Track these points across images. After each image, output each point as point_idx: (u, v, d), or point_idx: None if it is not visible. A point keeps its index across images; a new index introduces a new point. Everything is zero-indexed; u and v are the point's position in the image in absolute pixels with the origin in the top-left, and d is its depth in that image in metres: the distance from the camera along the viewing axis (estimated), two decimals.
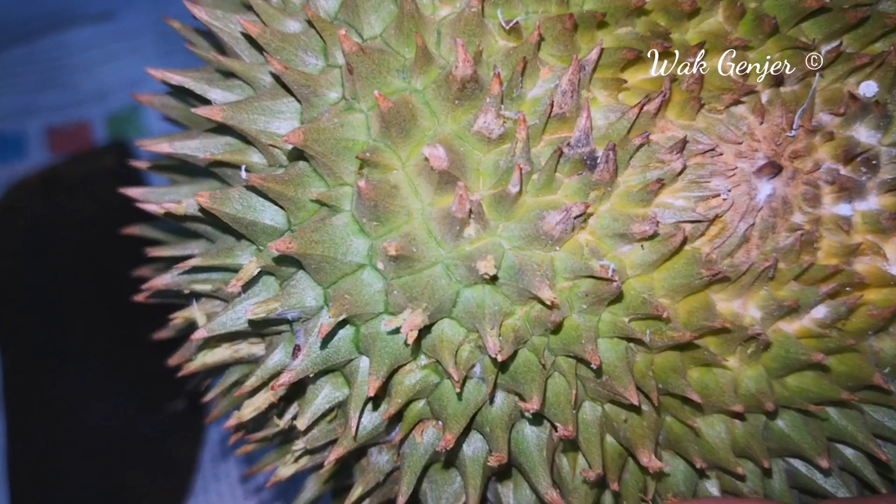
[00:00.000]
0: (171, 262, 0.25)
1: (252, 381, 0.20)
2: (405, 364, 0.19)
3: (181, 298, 0.24)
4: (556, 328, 0.19)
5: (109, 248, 0.51)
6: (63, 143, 0.64)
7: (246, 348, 0.22)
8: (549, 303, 0.18)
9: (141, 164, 0.25)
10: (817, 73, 0.20)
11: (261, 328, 0.20)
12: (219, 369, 0.23)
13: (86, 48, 0.66)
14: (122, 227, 0.58)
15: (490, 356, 0.18)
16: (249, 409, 0.20)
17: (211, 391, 0.24)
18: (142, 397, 0.46)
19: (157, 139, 0.23)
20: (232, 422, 0.21)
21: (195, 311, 0.22)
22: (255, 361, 0.22)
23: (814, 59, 0.20)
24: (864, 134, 0.21)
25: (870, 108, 0.21)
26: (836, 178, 0.20)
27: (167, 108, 0.25)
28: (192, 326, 0.25)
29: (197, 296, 0.23)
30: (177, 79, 0.22)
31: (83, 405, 0.46)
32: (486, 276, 0.18)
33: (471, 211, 0.18)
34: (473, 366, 0.19)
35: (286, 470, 0.21)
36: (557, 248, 0.19)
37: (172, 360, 0.26)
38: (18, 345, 0.48)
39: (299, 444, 0.20)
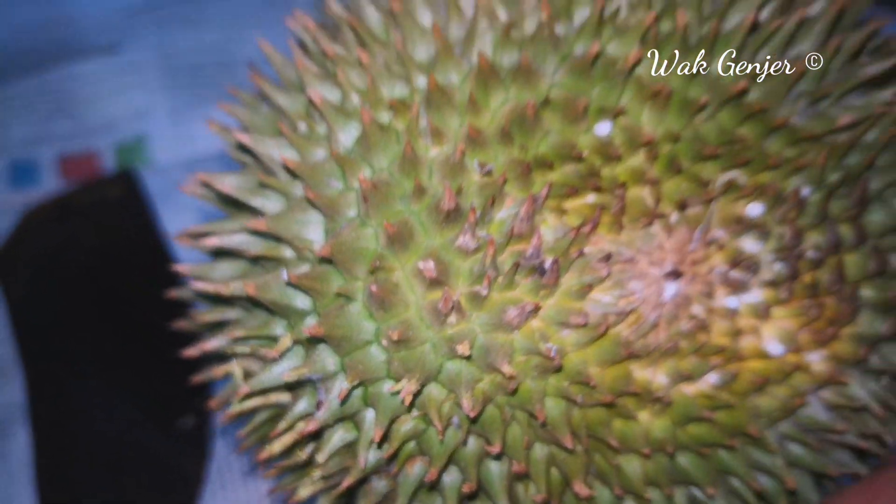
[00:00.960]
0: (210, 325, 0.31)
1: (283, 425, 0.26)
2: (401, 415, 0.25)
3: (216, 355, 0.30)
4: (514, 391, 0.25)
5: (119, 273, 0.55)
6: (74, 170, 0.65)
7: (275, 398, 0.28)
8: (508, 375, 0.24)
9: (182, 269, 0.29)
10: (713, 200, 0.27)
11: (290, 386, 0.27)
12: (246, 412, 0.29)
13: (93, 80, 0.68)
14: (129, 254, 0.57)
15: (465, 412, 0.24)
16: (278, 445, 0.26)
17: (241, 430, 0.30)
18: (153, 414, 0.48)
19: (200, 230, 0.29)
20: (264, 455, 0.27)
21: (235, 368, 0.28)
22: (281, 408, 0.28)
23: (711, 189, 0.27)
24: (749, 244, 0.27)
25: (754, 225, 0.27)
26: (726, 279, 0.27)
27: (205, 197, 0.31)
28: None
29: (236, 355, 0.29)
30: (226, 188, 0.28)
31: (100, 420, 0.48)
32: (463, 355, 0.24)
33: (453, 306, 0.24)
34: (452, 417, 0.25)
35: (305, 491, 0.27)
36: (516, 333, 0.25)
37: (196, 379, 0.32)
38: (39, 363, 0.51)
39: (317, 473, 0.27)
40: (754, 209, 0.27)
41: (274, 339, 0.27)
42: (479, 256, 0.24)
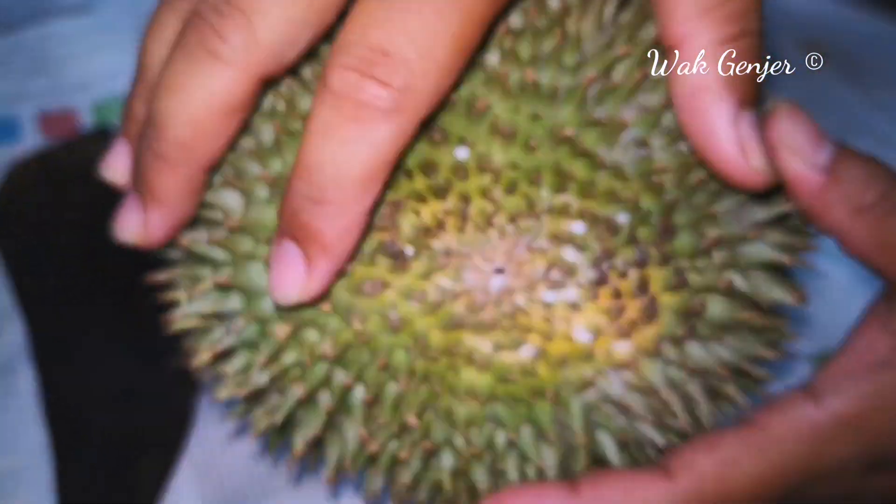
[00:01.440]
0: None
1: (204, 345, 0.35)
2: (285, 349, 0.34)
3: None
4: (367, 343, 0.33)
5: (102, 230, 0.52)
6: (54, 127, 0.66)
7: (200, 323, 0.36)
8: (360, 330, 0.32)
9: None
10: (542, 217, 0.34)
11: (208, 316, 0.36)
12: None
13: (68, 39, 0.69)
14: (111, 212, 0.52)
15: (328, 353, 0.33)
16: (200, 358, 0.35)
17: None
18: (146, 357, 0.54)
19: None
20: (193, 363, 0.36)
21: (179, 296, 0.37)
22: (204, 332, 0.37)
23: (541, 208, 0.34)
24: (569, 254, 0.33)
25: (575, 239, 0.35)
26: (546, 278, 0.34)
27: None
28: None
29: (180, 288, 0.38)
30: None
31: (96, 363, 0.55)
32: (329, 312, 0.33)
33: None
34: (321, 355, 0.34)
35: (222, 393, 0.36)
36: (372, 300, 0.32)
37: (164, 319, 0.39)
38: (37, 312, 0.57)
39: (228, 382, 0.36)
40: (577, 227, 0.33)
41: (201, 280, 0.35)
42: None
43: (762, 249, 0.35)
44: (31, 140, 0.67)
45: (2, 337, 0.57)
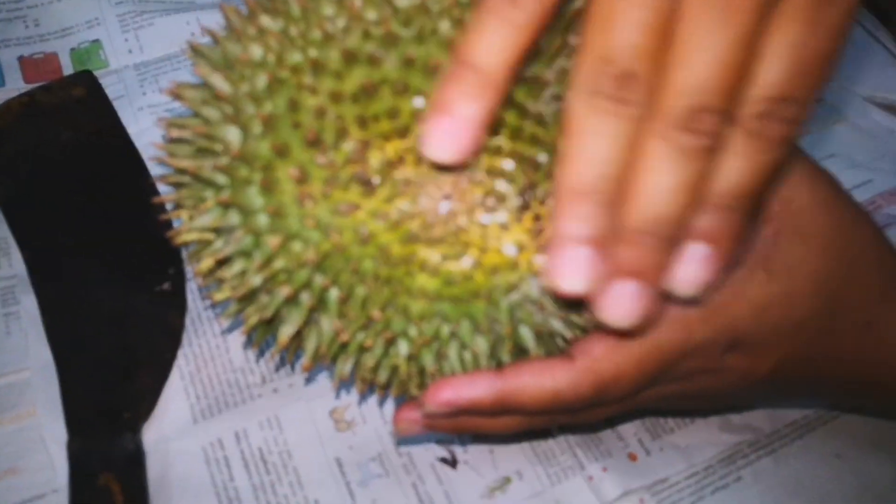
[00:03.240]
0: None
1: (206, 253, 0.42)
2: (275, 256, 0.42)
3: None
4: (342, 251, 0.41)
5: (89, 167, 0.63)
6: (35, 72, 0.69)
7: (204, 236, 0.43)
8: (336, 242, 0.40)
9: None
10: (481, 155, 0.43)
11: (212, 230, 0.43)
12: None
13: None
14: (101, 147, 0.63)
15: (310, 259, 0.42)
16: (203, 265, 0.42)
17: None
18: (136, 281, 0.60)
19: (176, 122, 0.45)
20: (196, 270, 0.44)
21: (183, 213, 0.44)
22: (207, 244, 0.44)
23: (489, 148, 0.43)
24: (501, 186, 0.41)
25: (506, 174, 0.43)
26: (483, 203, 0.42)
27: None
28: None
29: (184, 207, 0.44)
30: (187, 97, 0.44)
31: (92, 287, 0.60)
32: (311, 228, 0.41)
33: (308, 197, 0.41)
34: (306, 261, 0.42)
35: (219, 296, 0.44)
36: (347, 218, 0.40)
37: (170, 235, 0.45)
38: (33, 243, 0.61)
39: (226, 285, 0.44)
40: (508, 164, 0.39)
41: (205, 200, 0.43)
42: (328, 170, 0.41)
43: None
44: (14, 83, 0.70)
45: (3, 267, 0.64)
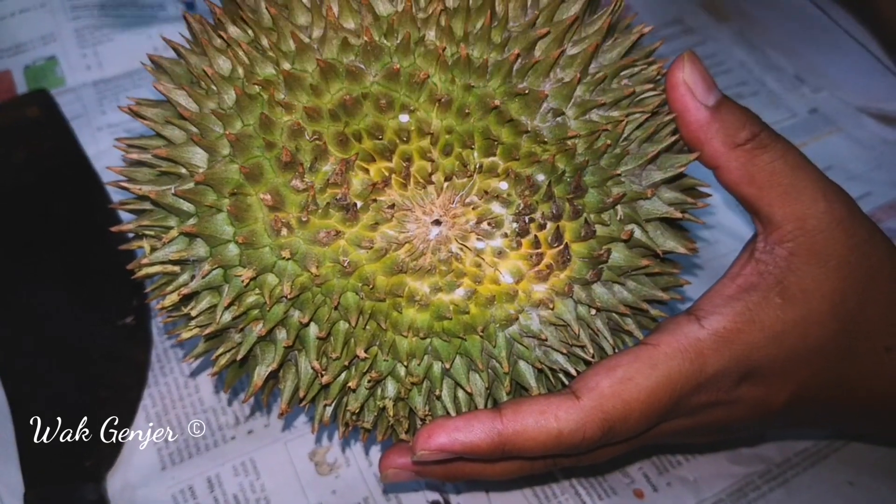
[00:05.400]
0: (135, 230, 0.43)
1: (170, 288, 0.38)
2: (247, 291, 0.39)
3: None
4: (321, 285, 0.38)
5: (45, 189, 0.59)
6: None
7: (167, 269, 0.39)
8: (315, 274, 0.37)
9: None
10: (473, 176, 0.39)
11: (176, 262, 0.39)
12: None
13: None
14: (57, 169, 0.59)
15: (286, 294, 0.38)
16: (168, 301, 0.38)
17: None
18: (96, 313, 0.57)
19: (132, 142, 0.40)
20: (159, 306, 0.40)
21: (144, 244, 0.40)
22: (172, 277, 0.40)
23: (472, 168, 0.39)
24: (496, 208, 0.38)
25: (500, 195, 0.40)
26: (476, 229, 0.39)
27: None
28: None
29: (146, 237, 0.40)
30: (147, 115, 0.40)
31: (49, 320, 0.57)
32: (286, 258, 0.37)
33: (283, 225, 0.37)
34: (280, 297, 0.38)
35: (186, 335, 0.40)
36: (326, 247, 0.38)
37: (129, 267, 0.41)
38: None
39: (193, 323, 0.40)
40: (502, 185, 0.37)
41: (169, 229, 0.39)
42: (305, 195, 0.37)
43: (658, 205, 0.41)
44: None
45: None
